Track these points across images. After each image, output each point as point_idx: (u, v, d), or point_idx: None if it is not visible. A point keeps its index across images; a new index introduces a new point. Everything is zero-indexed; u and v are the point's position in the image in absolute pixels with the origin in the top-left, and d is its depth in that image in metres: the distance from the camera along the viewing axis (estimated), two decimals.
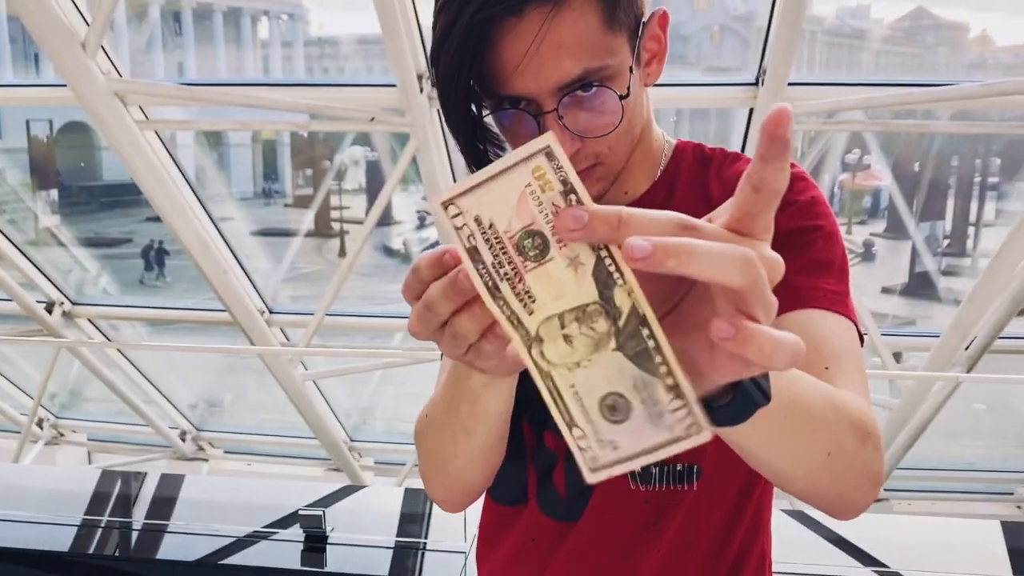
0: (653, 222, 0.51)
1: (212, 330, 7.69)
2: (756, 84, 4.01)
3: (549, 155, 0.52)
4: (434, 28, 0.96)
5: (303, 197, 28.60)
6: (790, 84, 3.91)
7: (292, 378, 5.49)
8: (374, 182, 25.63)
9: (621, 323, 0.52)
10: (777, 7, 3.58)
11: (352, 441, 6.84)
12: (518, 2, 0.88)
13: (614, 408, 0.52)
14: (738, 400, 0.57)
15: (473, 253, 0.53)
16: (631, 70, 0.93)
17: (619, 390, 0.52)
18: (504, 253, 0.53)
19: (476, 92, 0.95)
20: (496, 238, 0.53)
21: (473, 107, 0.96)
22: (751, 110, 4.17)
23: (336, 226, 25.88)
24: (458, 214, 0.53)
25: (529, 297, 0.53)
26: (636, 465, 0.53)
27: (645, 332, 0.51)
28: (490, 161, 1.03)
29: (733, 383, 0.56)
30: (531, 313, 0.53)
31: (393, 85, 4.13)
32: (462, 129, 0.98)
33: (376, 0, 3.56)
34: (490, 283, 0.53)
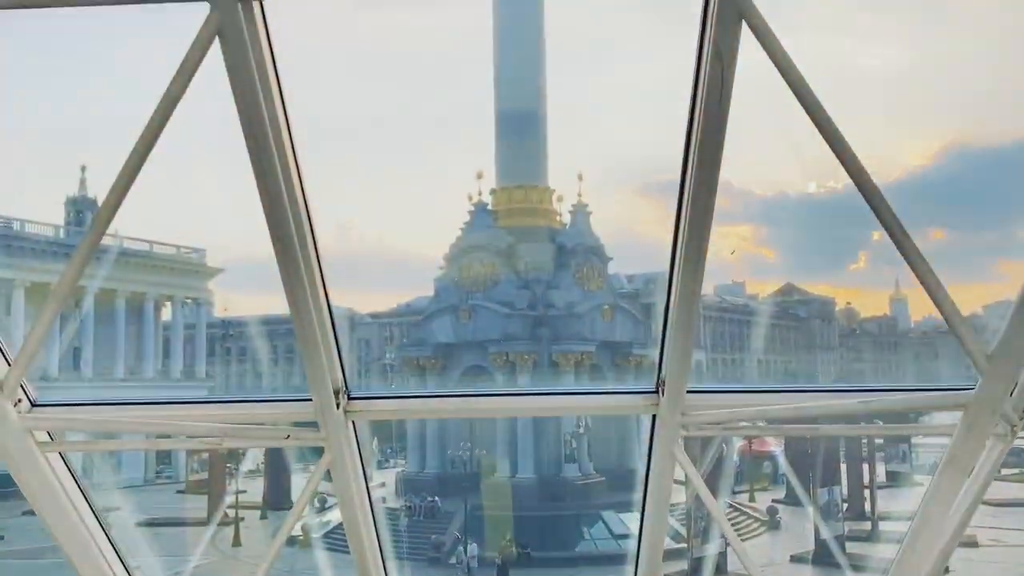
0: None
1: None
2: (657, 392, 4.25)
3: None
4: None
5: (198, 482, 27.38)
6: (689, 392, 4.16)
7: None
8: (274, 464, 24.85)
9: None
10: (669, 327, 3.91)
11: None
12: None
13: None
14: None
15: None
16: None
17: None
18: None
19: None
20: None
21: None
22: (654, 416, 4.39)
23: (230, 512, 24.62)
24: None
25: None
26: None
27: None
28: None
29: None
30: None
31: (308, 399, 4.20)
32: None
33: (297, 324, 3.72)
34: None
